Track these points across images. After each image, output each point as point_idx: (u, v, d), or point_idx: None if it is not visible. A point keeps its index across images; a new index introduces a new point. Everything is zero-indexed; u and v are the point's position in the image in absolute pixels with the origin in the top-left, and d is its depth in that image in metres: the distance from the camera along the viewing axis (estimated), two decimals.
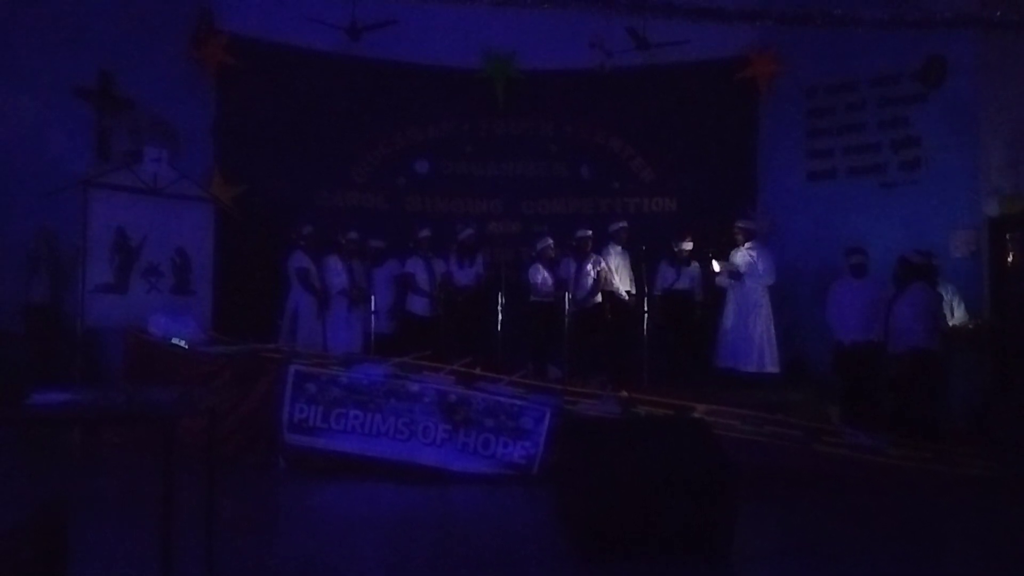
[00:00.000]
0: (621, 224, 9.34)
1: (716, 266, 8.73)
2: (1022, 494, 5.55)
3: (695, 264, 9.07)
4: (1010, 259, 7.91)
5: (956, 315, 7.78)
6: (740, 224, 8.87)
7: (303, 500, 5.73)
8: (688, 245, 9.11)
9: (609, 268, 9.05)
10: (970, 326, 7.73)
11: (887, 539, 4.70)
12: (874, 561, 4.31)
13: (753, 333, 8.56)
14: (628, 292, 9.07)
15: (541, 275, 8.98)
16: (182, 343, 6.99)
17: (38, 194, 7.34)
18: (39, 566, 2.51)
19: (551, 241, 9.18)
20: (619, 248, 9.20)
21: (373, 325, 8.60)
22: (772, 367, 8.57)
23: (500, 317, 8.90)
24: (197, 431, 4.98)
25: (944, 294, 7.58)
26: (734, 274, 8.67)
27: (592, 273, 8.94)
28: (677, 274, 9.08)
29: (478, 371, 6.86)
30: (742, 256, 8.71)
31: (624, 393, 6.72)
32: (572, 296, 8.75)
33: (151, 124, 8.61)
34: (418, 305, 9.00)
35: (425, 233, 9.15)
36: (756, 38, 9.62)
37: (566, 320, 8.48)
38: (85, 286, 7.45)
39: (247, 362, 6.72)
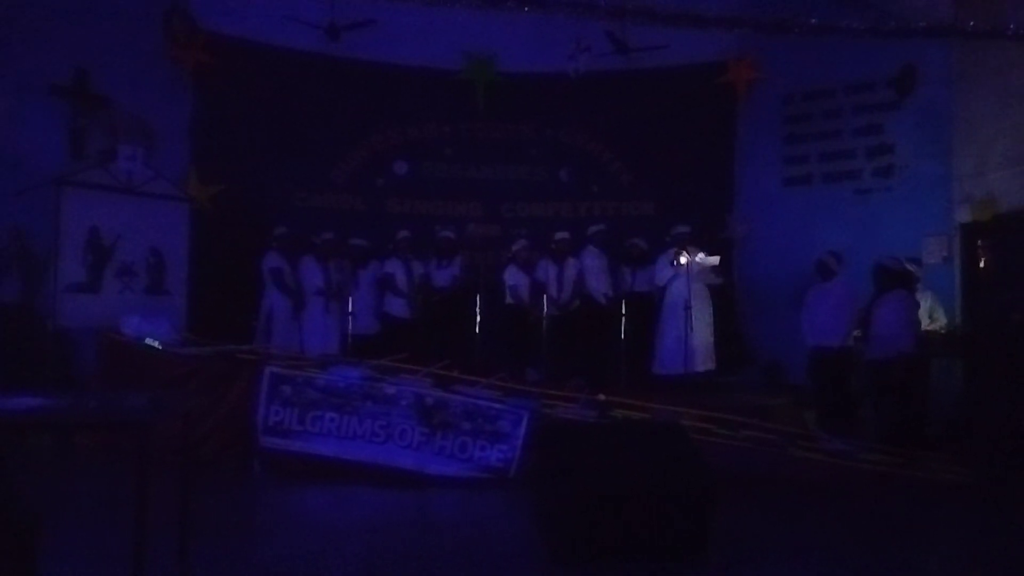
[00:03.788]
0: (599, 227, 9.35)
1: (704, 259, 8.51)
2: (996, 500, 5.63)
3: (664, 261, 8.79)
4: (982, 265, 8.03)
5: (937, 321, 7.86)
6: (681, 229, 8.78)
7: (279, 503, 5.68)
8: (642, 243, 9.12)
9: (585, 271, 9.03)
10: (942, 331, 7.82)
11: (863, 544, 4.74)
12: (850, 565, 4.34)
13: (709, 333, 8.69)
14: (605, 295, 9.07)
15: (516, 277, 8.92)
16: (156, 344, 6.92)
17: (10, 192, 7.25)
18: (7, 573, 2.48)
19: (526, 242, 9.15)
20: (597, 251, 9.18)
21: (351, 326, 8.55)
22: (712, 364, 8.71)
23: (479, 319, 8.88)
24: (172, 434, 4.96)
25: (924, 301, 7.65)
26: (716, 271, 8.68)
27: (572, 276, 8.92)
28: (632, 276, 9.07)
29: (456, 374, 6.84)
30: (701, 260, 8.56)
31: (601, 396, 6.73)
32: (554, 299, 8.74)
33: (126, 122, 8.49)
34: (396, 306, 8.95)
35: (404, 234, 9.08)
36: (735, 44, 9.69)
37: (544, 323, 8.48)
38: (57, 285, 7.38)
39: (222, 364, 6.65)
